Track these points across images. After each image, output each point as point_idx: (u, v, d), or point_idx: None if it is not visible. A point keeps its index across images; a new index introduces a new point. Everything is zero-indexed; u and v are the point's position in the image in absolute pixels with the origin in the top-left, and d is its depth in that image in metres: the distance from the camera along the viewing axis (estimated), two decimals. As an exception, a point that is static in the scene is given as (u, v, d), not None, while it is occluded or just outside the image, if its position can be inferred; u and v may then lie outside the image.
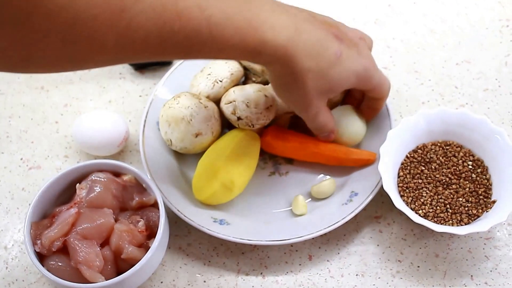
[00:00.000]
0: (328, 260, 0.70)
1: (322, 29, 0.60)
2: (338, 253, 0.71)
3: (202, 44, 0.53)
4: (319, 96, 0.63)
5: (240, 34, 0.54)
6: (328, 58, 0.60)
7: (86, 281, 0.62)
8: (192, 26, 0.51)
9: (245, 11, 0.55)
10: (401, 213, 0.70)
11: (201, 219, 0.69)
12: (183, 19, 0.51)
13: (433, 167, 0.73)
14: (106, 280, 0.62)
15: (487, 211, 0.70)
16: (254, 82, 0.77)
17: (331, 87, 0.62)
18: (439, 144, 0.74)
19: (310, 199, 0.73)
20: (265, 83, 0.76)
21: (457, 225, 0.69)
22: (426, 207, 0.70)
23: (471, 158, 0.73)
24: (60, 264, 0.63)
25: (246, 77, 0.78)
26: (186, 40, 0.52)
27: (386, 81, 0.70)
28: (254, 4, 0.56)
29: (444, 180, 0.72)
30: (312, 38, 0.58)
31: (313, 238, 0.71)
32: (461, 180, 0.72)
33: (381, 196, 0.72)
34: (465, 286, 0.68)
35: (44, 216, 0.68)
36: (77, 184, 0.68)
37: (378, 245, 0.71)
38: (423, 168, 0.73)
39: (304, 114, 0.66)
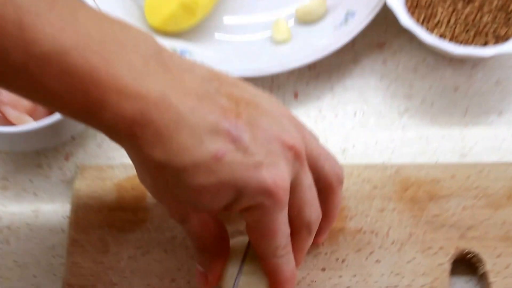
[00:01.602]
0: (319, 98, 0.59)
1: (212, 111, 0.39)
2: (331, 89, 0.59)
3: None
4: (178, 204, 0.42)
5: (69, 59, 0.35)
6: (196, 157, 0.38)
7: (11, 124, 0.54)
8: None
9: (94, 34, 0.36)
10: (410, 38, 0.59)
11: (156, 49, 0.57)
12: None
13: (451, -22, 0.59)
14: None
15: (520, 30, 0.57)
16: None
17: (191, 199, 0.40)
18: (459, -50, 0.61)
19: (294, 22, 0.62)
20: None
21: (482, 48, 0.57)
22: (442, 27, 0.59)
23: (500, -35, 0.60)
24: (-21, 107, 0.55)
25: None
26: None
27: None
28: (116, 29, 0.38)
29: (465, -6, 0.59)
30: (182, 120, 0.38)
31: (299, 71, 0.59)
32: (487, -7, 0.59)
33: (385, 19, 0.60)
34: (492, 123, 0.58)
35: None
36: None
37: (381, 78, 0.60)
38: (438, -20, 0.59)
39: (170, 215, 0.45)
